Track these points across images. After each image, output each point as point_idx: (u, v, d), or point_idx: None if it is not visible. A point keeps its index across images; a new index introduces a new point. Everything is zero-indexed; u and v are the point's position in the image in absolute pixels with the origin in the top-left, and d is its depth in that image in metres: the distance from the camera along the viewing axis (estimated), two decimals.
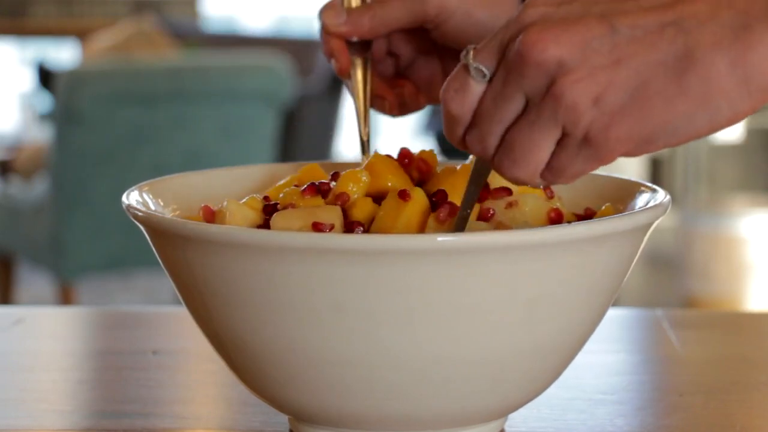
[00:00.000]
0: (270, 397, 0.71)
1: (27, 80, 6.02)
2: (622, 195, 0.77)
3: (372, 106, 0.86)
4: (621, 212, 0.75)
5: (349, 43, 0.85)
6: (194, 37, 4.69)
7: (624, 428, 0.77)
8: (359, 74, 0.85)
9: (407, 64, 0.88)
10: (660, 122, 0.61)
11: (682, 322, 1.06)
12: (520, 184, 0.65)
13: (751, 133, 4.62)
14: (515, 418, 0.77)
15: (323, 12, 0.84)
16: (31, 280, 4.15)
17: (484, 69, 0.63)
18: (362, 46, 0.85)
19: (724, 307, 3.72)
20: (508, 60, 0.62)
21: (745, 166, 4.78)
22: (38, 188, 3.39)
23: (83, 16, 6.33)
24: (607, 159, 0.63)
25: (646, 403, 0.84)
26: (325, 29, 0.84)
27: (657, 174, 4.67)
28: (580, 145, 0.62)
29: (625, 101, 0.61)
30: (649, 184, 0.76)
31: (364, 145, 0.84)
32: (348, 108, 4.50)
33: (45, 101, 4.75)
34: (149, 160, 3.20)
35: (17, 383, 0.89)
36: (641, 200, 0.75)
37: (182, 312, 0.76)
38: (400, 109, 0.88)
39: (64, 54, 5.97)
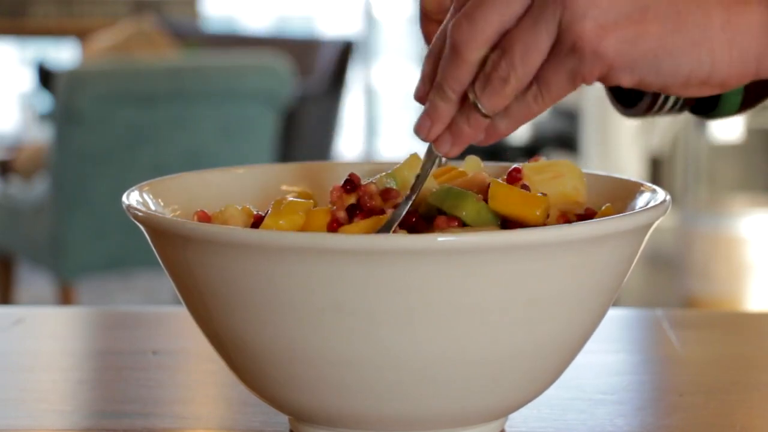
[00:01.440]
0: (270, 397, 0.71)
1: (27, 80, 6.02)
2: (622, 195, 0.77)
3: None
4: (621, 212, 0.75)
5: None
6: (194, 37, 4.69)
7: (624, 428, 0.77)
8: None
9: None
10: (647, 50, 0.63)
11: (682, 322, 1.06)
12: (502, 101, 0.65)
13: (751, 133, 4.62)
14: (515, 418, 0.77)
15: None
16: (31, 280, 4.15)
17: None
18: None
19: (724, 307, 3.72)
20: None
21: (745, 166, 4.78)
22: (38, 188, 3.39)
23: (83, 16, 6.33)
24: (587, 74, 0.63)
25: (646, 403, 0.84)
26: (423, 13, 0.85)
27: (657, 174, 4.67)
28: (567, 54, 0.63)
29: (623, 18, 0.62)
30: (649, 184, 0.76)
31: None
32: (348, 108, 4.50)
33: (45, 101, 4.75)
34: (149, 160, 3.20)
35: (17, 383, 0.89)
36: (641, 200, 0.75)
37: (182, 312, 0.76)
38: None
39: (64, 54, 5.97)
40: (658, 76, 0.63)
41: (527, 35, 0.63)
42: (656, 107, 0.86)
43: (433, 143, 0.67)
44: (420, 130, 0.67)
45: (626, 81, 0.64)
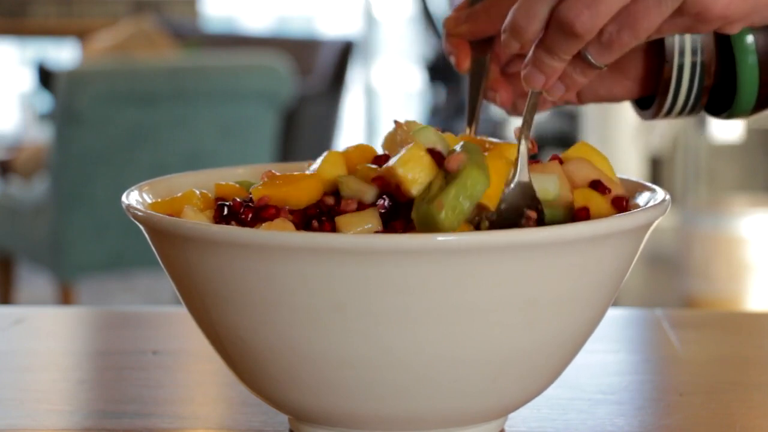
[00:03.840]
0: (270, 397, 0.71)
1: (27, 80, 6.02)
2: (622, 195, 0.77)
3: (485, 98, 0.89)
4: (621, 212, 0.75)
5: (471, 42, 0.88)
6: (194, 37, 4.69)
7: (624, 428, 0.77)
8: (476, 70, 0.88)
9: None
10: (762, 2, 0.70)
11: (682, 322, 1.06)
12: (619, 56, 0.70)
13: (751, 133, 4.62)
14: (515, 418, 0.77)
15: (446, 17, 0.88)
16: (31, 280, 4.15)
17: None
18: (482, 45, 0.88)
19: (724, 307, 3.72)
20: None
21: (745, 166, 4.78)
22: (38, 188, 3.39)
23: (83, 16, 6.33)
24: (704, 31, 0.70)
25: (646, 403, 0.84)
26: (446, 29, 0.88)
27: (657, 174, 4.67)
28: (689, 17, 0.68)
29: None
30: (649, 184, 0.76)
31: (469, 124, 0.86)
32: (348, 108, 4.51)
33: (45, 101, 4.75)
34: (149, 160, 3.20)
35: (17, 383, 0.89)
36: (641, 200, 0.75)
37: (182, 312, 0.76)
38: (513, 106, 0.91)
39: (64, 54, 5.97)
40: (764, 19, 0.70)
41: (652, 14, 0.67)
42: (666, 109, 0.86)
43: (547, 91, 0.72)
44: (534, 82, 0.72)
45: (736, 30, 0.71)
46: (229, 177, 0.83)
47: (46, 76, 4.01)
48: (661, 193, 0.74)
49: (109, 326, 1.09)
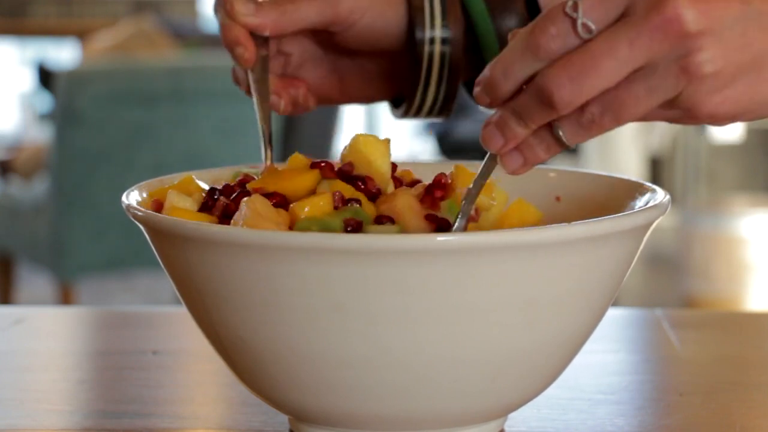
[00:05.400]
0: (270, 397, 0.71)
1: (27, 80, 6.02)
2: (622, 195, 0.77)
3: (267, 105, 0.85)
4: (621, 212, 0.75)
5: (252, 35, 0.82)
6: (194, 37, 4.69)
7: (624, 428, 0.77)
8: (259, 69, 0.83)
9: (297, 64, 0.88)
10: (756, 104, 0.65)
11: (682, 322, 1.06)
12: (590, 138, 0.65)
13: (751, 133, 4.62)
14: (515, 418, 0.77)
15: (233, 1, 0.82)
16: (31, 280, 4.15)
17: (592, 25, 0.63)
18: (262, 42, 0.83)
19: (724, 307, 3.72)
20: (640, 23, 0.62)
21: (745, 166, 4.78)
22: (38, 188, 3.39)
23: (83, 16, 6.33)
24: (690, 124, 0.67)
25: (646, 403, 0.84)
26: (232, 17, 0.82)
27: (657, 174, 4.67)
28: (677, 109, 0.65)
29: (739, 78, 0.64)
30: (649, 184, 0.76)
31: (266, 141, 0.83)
32: (348, 107, 4.50)
33: (45, 101, 4.75)
34: (149, 160, 3.20)
35: (17, 383, 0.89)
36: (641, 200, 0.75)
37: (182, 312, 0.76)
38: (293, 108, 0.87)
39: (64, 54, 5.97)
40: (754, 119, 0.67)
41: (641, 103, 0.64)
42: (414, 110, 0.87)
43: (501, 159, 0.67)
44: (491, 143, 0.66)
45: (725, 126, 0.68)
46: (229, 177, 0.83)
47: (46, 76, 4.01)
48: (661, 193, 0.74)
49: (109, 326, 1.09)
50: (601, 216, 0.68)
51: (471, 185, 0.70)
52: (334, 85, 0.89)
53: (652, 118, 0.67)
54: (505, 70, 0.64)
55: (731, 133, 4.23)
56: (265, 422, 0.78)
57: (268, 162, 0.81)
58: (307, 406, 0.70)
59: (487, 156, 0.68)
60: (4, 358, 0.95)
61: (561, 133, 0.65)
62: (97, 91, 3.11)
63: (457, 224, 0.70)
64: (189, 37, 4.61)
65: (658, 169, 4.70)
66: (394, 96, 0.90)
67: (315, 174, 0.73)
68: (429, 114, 0.88)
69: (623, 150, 4.24)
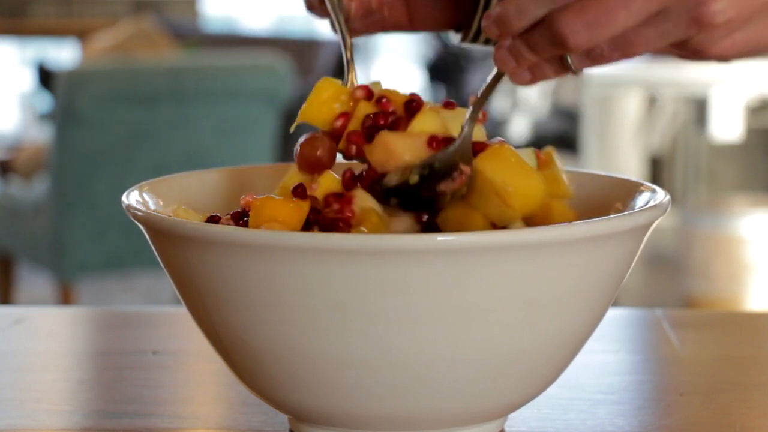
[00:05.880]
0: (270, 397, 0.71)
1: (27, 80, 6.02)
2: (622, 195, 0.77)
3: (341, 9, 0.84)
4: (621, 212, 0.75)
5: None
6: (194, 37, 4.69)
7: (624, 428, 0.77)
8: None
9: None
10: (760, 47, 0.69)
11: (682, 322, 1.06)
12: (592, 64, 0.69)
13: (751, 133, 4.62)
14: (515, 418, 0.77)
15: None
16: (31, 280, 4.15)
17: None
18: None
19: (724, 307, 3.71)
20: None
21: (745, 166, 4.78)
22: (38, 188, 3.39)
23: (83, 16, 6.33)
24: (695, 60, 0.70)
25: (646, 403, 0.84)
26: None
27: (657, 174, 4.67)
28: (686, 49, 0.68)
29: (745, 19, 0.67)
30: (649, 184, 0.76)
31: (348, 65, 0.82)
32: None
33: (45, 101, 4.75)
34: (149, 160, 3.20)
35: (17, 383, 0.89)
36: (641, 200, 0.75)
37: (182, 312, 0.76)
38: (364, 14, 0.87)
39: (64, 54, 5.97)
40: (760, 57, 0.70)
41: (650, 43, 0.67)
42: (471, 35, 0.88)
43: (511, 75, 0.71)
44: (504, 65, 0.70)
45: (730, 63, 0.70)
46: (228, 177, 0.83)
47: (46, 76, 4.01)
48: (661, 193, 0.74)
49: (109, 326, 1.09)
50: (601, 216, 0.68)
51: (479, 92, 0.73)
52: (402, 11, 0.90)
53: (659, 54, 0.70)
54: (519, 7, 0.67)
55: (731, 133, 4.23)
56: (265, 422, 0.78)
57: (349, 84, 0.80)
58: (308, 406, 0.70)
59: (496, 68, 0.72)
60: (4, 358, 0.95)
61: (570, 62, 0.69)
62: (97, 91, 3.11)
63: (465, 130, 0.72)
64: (189, 37, 4.61)
65: (658, 169, 4.70)
66: (458, 24, 0.90)
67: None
68: (486, 42, 0.89)
69: (623, 150, 4.25)
